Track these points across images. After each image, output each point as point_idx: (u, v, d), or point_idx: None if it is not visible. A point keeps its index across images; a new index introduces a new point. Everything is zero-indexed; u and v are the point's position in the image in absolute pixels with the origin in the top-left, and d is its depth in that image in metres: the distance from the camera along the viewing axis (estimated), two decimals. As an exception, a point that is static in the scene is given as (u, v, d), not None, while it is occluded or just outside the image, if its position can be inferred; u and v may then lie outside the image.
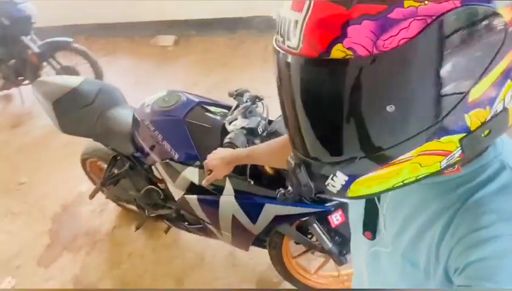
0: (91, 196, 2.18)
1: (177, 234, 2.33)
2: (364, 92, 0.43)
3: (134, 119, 1.70)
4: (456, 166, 0.50)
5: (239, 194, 1.46)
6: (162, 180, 1.86)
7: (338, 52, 0.41)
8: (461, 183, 0.52)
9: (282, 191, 0.95)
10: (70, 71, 3.63)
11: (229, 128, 1.38)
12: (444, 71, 0.42)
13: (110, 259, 2.36)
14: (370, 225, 0.68)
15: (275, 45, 0.50)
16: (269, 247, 1.74)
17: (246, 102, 1.49)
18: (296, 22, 0.45)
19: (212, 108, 1.61)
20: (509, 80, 0.43)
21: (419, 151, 0.47)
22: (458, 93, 0.43)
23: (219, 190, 1.50)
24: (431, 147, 0.46)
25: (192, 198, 1.56)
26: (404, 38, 0.40)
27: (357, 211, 0.71)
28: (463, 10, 0.39)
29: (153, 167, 1.92)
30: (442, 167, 0.49)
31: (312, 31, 0.43)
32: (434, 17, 0.39)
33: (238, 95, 1.54)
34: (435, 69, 0.41)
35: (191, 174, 1.54)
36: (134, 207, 2.49)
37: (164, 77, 3.79)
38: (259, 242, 1.77)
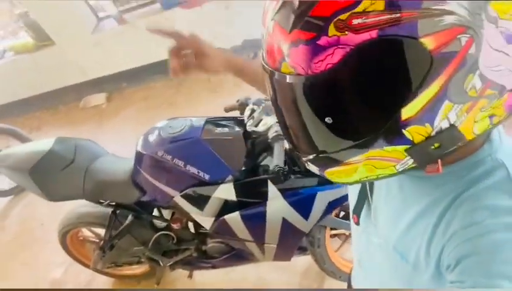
0: (95, 269, 1.89)
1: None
2: (306, 104, 0.50)
3: (139, 157, 1.54)
4: (436, 166, 0.52)
5: (285, 193, 1.39)
6: (178, 220, 1.71)
7: (285, 68, 0.48)
8: (454, 179, 0.54)
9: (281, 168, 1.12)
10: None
11: (260, 128, 1.33)
12: (370, 93, 0.46)
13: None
14: (359, 209, 0.72)
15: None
16: (313, 247, 1.67)
17: (253, 104, 1.46)
18: (263, 38, 0.52)
19: (221, 122, 1.54)
20: (446, 101, 0.45)
21: (365, 156, 0.50)
22: (390, 112, 0.46)
23: (259, 198, 1.42)
24: (376, 153, 0.50)
25: (234, 217, 1.44)
26: (329, 63, 0.44)
27: (353, 196, 0.74)
28: (381, 40, 0.42)
29: (158, 209, 1.76)
30: (398, 170, 0.51)
31: (271, 48, 0.49)
32: (352, 46, 0.42)
33: (242, 104, 1.50)
34: (360, 91, 0.46)
35: (225, 191, 1.43)
36: (131, 271, 2.24)
37: (109, 134, 3.54)
38: (300, 249, 1.71)
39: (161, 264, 1.88)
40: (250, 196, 1.43)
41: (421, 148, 0.49)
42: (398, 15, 0.41)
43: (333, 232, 1.73)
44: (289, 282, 2.03)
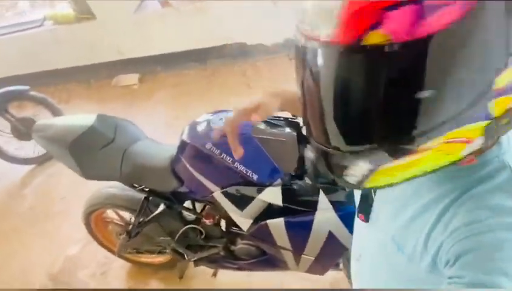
0: (120, 251, 1.84)
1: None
2: (400, 78, 0.44)
3: (183, 146, 1.47)
4: (471, 157, 0.51)
5: (336, 206, 1.30)
6: (211, 215, 1.64)
7: (375, 37, 0.42)
8: (459, 176, 0.54)
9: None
10: (29, 123, 3.19)
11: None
12: (475, 58, 0.43)
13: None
14: (365, 207, 0.71)
15: (301, 35, 0.50)
16: (349, 263, 1.59)
17: None
18: (331, 10, 0.44)
19: (274, 122, 1.46)
20: None
21: (445, 139, 0.48)
22: (485, 83, 0.45)
23: (307, 206, 1.33)
24: (455, 134, 0.48)
25: (277, 222, 1.36)
26: (439, 23, 0.40)
27: (357, 194, 0.75)
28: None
29: (192, 202, 1.69)
30: (463, 155, 0.50)
31: (350, 17, 0.42)
32: (471, 5, 0.40)
33: None
34: (467, 56, 0.43)
35: (272, 195, 1.35)
36: (150, 259, 2.19)
37: (140, 115, 3.49)
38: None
39: (186, 257, 1.82)
40: (298, 203, 1.35)
41: (497, 123, 0.48)
42: None
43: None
44: (313, 293, 1.95)
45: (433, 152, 0.49)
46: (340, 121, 0.50)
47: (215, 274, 1.83)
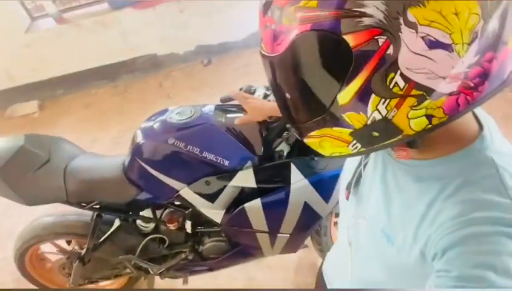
0: (75, 284, 1.63)
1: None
2: (274, 78, 0.58)
3: (140, 148, 1.39)
4: (404, 153, 0.59)
5: (308, 176, 1.36)
6: (175, 219, 1.57)
7: (262, 47, 0.56)
8: (444, 171, 0.56)
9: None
10: None
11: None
12: (312, 77, 0.52)
13: None
14: (353, 186, 0.76)
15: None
16: (319, 236, 1.67)
17: (267, 89, 1.41)
18: None
19: (231, 109, 1.47)
20: (373, 94, 0.49)
21: (321, 133, 0.57)
22: (330, 96, 0.52)
23: (281, 182, 1.37)
24: (330, 132, 0.56)
25: (254, 204, 1.36)
26: (282, 47, 0.52)
27: (348, 172, 0.78)
28: (313, 33, 0.48)
29: (153, 210, 1.61)
30: (352, 151, 0.56)
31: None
32: (297, 34, 0.49)
33: (247, 92, 1.44)
34: (304, 74, 0.53)
35: (244, 178, 1.35)
36: (103, 288, 2.00)
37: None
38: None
39: (151, 271, 1.69)
40: (272, 181, 1.37)
41: (362, 134, 0.53)
42: (326, 13, 0.46)
43: (335, 220, 1.73)
44: (283, 279, 1.98)
45: (323, 140, 0.58)
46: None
47: (186, 282, 1.73)
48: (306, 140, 0.61)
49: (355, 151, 0.56)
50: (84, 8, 3.36)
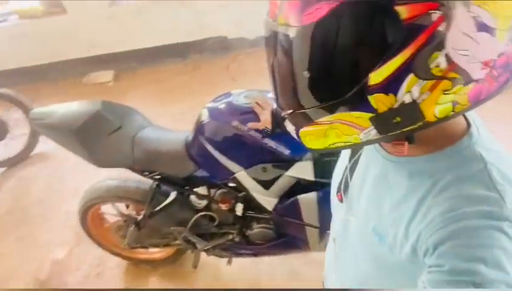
0: (129, 246, 1.74)
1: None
2: (289, 55, 0.53)
3: (203, 127, 1.42)
4: (402, 148, 0.56)
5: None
6: (227, 200, 1.59)
7: (281, 19, 0.51)
8: (433, 167, 0.56)
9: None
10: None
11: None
12: (344, 52, 0.48)
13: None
14: (343, 187, 0.74)
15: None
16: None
17: None
18: None
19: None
20: (411, 74, 0.46)
21: (335, 118, 0.53)
22: (360, 75, 0.48)
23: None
24: (345, 117, 0.52)
25: (309, 197, 1.34)
26: (317, 16, 0.47)
27: (339, 173, 0.77)
28: (360, 2, 0.45)
29: (208, 188, 1.64)
30: (362, 140, 0.54)
31: (273, 2, 0.54)
32: (337, 4, 0.45)
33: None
34: (337, 48, 0.48)
35: (303, 170, 1.33)
36: (148, 255, 2.09)
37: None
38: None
39: (198, 246, 1.75)
40: (330, 176, 1.34)
41: (383, 118, 0.51)
42: None
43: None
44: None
45: (330, 128, 0.54)
46: (273, 86, 0.61)
47: (230, 262, 1.77)
48: (305, 129, 0.58)
49: (365, 139, 0.54)
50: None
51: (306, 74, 0.52)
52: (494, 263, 0.48)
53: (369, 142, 0.55)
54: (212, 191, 1.67)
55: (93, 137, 1.52)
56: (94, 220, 2.00)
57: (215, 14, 3.46)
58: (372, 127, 0.52)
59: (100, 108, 1.55)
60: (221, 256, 1.79)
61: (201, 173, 1.51)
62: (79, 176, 2.85)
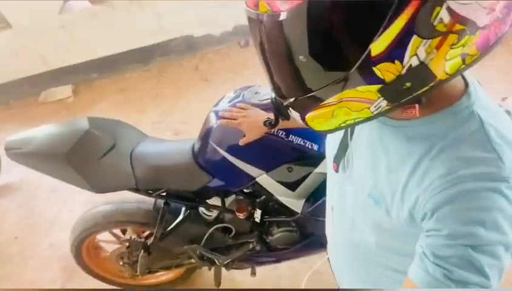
0: (141, 273, 1.56)
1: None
2: (283, 42, 0.50)
3: (214, 134, 1.29)
4: (414, 111, 0.54)
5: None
6: (244, 208, 1.47)
7: (262, 7, 0.49)
8: (430, 130, 0.56)
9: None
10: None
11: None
12: (340, 27, 0.46)
13: None
14: (339, 158, 0.74)
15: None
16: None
17: None
18: None
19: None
20: (414, 36, 0.45)
21: (340, 97, 0.52)
22: (360, 48, 0.47)
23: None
24: (350, 94, 0.51)
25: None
26: None
27: (333, 145, 0.77)
28: None
29: (222, 198, 1.51)
30: (373, 113, 0.52)
31: None
32: None
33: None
34: (331, 25, 0.46)
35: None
36: (155, 279, 1.93)
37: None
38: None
39: (217, 262, 1.61)
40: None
41: (393, 87, 0.49)
42: None
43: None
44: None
45: (338, 107, 0.53)
46: (268, 74, 0.58)
47: (254, 273, 1.65)
48: (310, 114, 0.56)
49: (376, 111, 0.52)
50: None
51: (305, 57, 0.50)
52: (492, 225, 0.48)
53: (380, 114, 0.53)
54: (226, 200, 1.54)
55: (86, 160, 1.34)
56: (89, 251, 1.80)
57: (177, 13, 3.27)
58: (382, 98, 0.50)
59: (88, 126, 1.36)
60: (242, 268, 1.67)
61: (216, 182, 1.38)
62: (54, 206, 2.60)
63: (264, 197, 1.43)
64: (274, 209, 1.50)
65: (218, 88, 3.18)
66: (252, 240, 1.59)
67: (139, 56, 3.53)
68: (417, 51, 0.46)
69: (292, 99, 0.57)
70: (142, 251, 1.54)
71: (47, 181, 2.54)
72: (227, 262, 1.61)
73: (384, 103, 0.51)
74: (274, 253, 1.61)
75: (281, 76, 0.56)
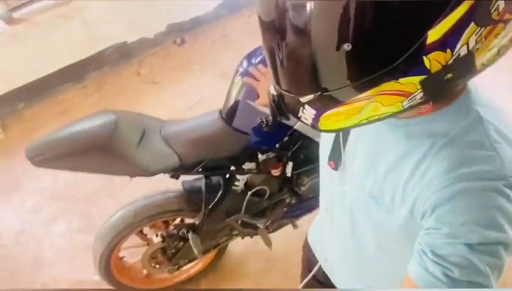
0: (199, 254, 1.52)
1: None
2: (324, 29, 0.45)
3: (245, 91, 1.34)
4: (427, 106, 0.54)
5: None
6: (277, 165, 1.54)
7: None
8: (431, 127, 0.56)
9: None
10: None
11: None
12: (399, 11, 0.42)
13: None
14: (335, 155, 0.73)
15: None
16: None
17: None
18: None
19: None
20: (472, 23, 0.43)
21: (378, 90, 0.48)
22: (416, 35, 0.43)
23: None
24: (389, 87, 0.47)
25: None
26: None
27: (328, 142, 0.76)
28: None
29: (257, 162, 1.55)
30: (404, 107, 0.49)
31: None
32: None
33: None
34: (389, 9, 0.42)
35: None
36: (187, 272, 1.90)
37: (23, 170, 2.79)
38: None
39: (260, 226, 1.64)
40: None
41: (435, 78, 0.46)
42: None
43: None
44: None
45: (370, 102, 0.49)
46: (288, 67, 0.52)
47: (296, 226, 1.70)
48: (331, 111, 0.51)
49: (407, 106, 0.49)
50: (38, 1, 2.95)
51: (346, 47, 0.44)
52: (491, 224, 0.49)
53: (406, 109, 0.49)
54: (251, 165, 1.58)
55: (127, 148, 1.28)
56: (116, 263, 1.68)
57: (106, 21, 3.10)
58: (420, 90, 0.47)
59: (115, 116, 1.31)
60: (283, 226, 1.72)
61: (253, 140, 1.42)
62: (28, 246, 2.30)
63: (295, 148, 1.51)
64: (301, 160, 1.58)
65: (171, 86, 3.12)
66: (285, 196, 1.65)
67: (71, 74, 3.26)
68: (469, 39, 0.44)
69: (311, 96, 0.51)
70: (191, 233, 1.50)
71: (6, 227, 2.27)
72: (268, 223, 1.65)
73: (419, 96, 0.48)
74: (307, 203, 1.69)
75: (302, 71, 0.50)
